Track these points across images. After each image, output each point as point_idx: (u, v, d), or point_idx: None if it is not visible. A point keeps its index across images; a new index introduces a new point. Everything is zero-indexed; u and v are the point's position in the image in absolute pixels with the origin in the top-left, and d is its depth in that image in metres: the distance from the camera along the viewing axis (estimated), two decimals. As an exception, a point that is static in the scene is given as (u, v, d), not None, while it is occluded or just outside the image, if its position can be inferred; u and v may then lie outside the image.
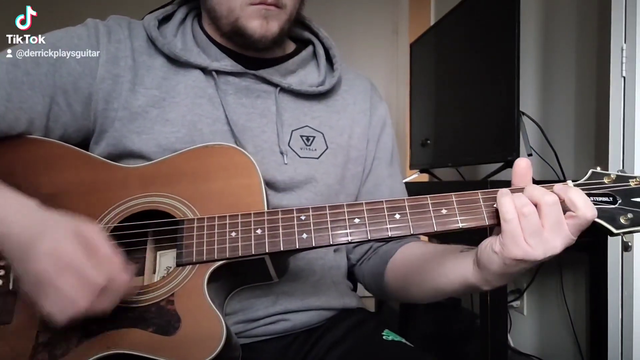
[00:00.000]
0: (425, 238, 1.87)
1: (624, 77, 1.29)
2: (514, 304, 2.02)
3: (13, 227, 0.63)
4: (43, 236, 0.62)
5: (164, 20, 0.87)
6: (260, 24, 0.80)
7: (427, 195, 0.70)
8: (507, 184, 1.68)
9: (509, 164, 1.59)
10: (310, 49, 0.93)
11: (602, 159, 1.55)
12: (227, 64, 0.84)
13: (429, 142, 2.17)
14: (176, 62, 0.83)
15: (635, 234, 0.68)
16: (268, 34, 0.81)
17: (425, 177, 2.47)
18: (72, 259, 0.60)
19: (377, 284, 0.93)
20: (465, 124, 1.88)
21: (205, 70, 0.84)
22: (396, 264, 0.90)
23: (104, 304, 0.62)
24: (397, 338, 0.85)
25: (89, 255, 0.61)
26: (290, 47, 0.93)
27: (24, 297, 0.64)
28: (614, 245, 1.35)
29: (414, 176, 2.36)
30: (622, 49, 1.29)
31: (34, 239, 0.61)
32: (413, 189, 2.08)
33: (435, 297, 0.83)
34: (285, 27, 0.84)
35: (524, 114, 1.62)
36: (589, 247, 1.54)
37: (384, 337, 0.85)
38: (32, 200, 0.67)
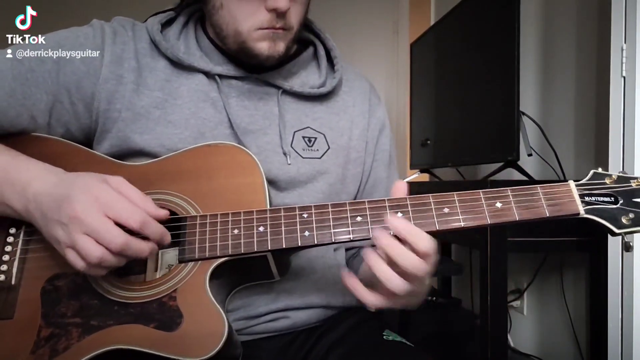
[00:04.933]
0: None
1: (624, 77, 1.30)
2: (514, 304, 2.02)
3: (41, 187, 0.68)
4: (75, 184, 0.66)
5: (167, 23, 0.88)
6: (268, 45, 0.80)
7: (429, 194, 0.70)
8: (507, 183, 1.67)
9: (509, 164, 1.60)
10: (310, 49, 0.93)
11: (602, 158, 1.56)
12: (229, 68, 0.85)
13: (429, 142, 2.17)
14: (179, 65, 0.84)
15: (635, 234, 0.69)
16: (275, 55, 0.81)
17: (425, 177, 2.47)
18: (108, 199, 0.65)
19: None
20: (465, 124, 1.88)
21: (208, 74, 0.84)
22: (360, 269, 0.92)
23: (141, 245, 0.65)
24: (398, 338, 0.85)
25: (123, 197, 0.66)
26: (292, 48, 0.93)
27: (57, 248, 0.67)
28: (614, 245, 1.35)
29: (414, 176, 2.37)
30: (622, 49, 1.30)
31: (67, 189, 0.66)
32: (413, 189, 2.09)
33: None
34: (290, 45, 0.84)
35: (524, 114, 1.62)
36: (589, 247, 1.54)
37: (384, 337, 0.85)
38: (56, 167, 0.72)
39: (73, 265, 0.65)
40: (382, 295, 0.68)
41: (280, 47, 0.81)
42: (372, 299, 0.68)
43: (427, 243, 0.65)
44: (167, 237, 0.68)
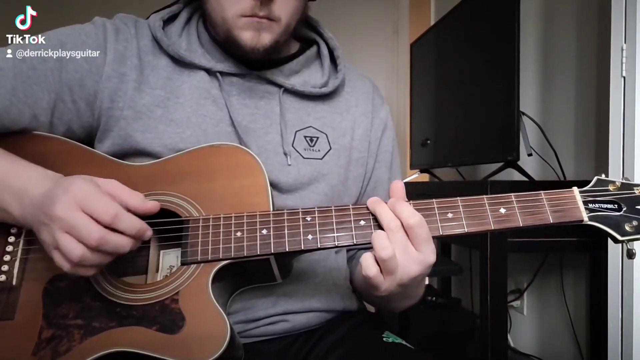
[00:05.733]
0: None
1: (624, 77, 1.30)
2: (514, 304, 2.03)
3: (37, 190, 0.67)
4: (59, 186, 0.65)
5: (169, 20, 0.87)
6: (252, 35, 0.78)
7: (433, 199, 0.70)
8: (507, 184, 1.67)
9: (509, 164, 1.60)
10: (314, 48, 0.93)
11: (602, 158, 1.56)
12: (231, 65, 0.85)
13: (429, 142, 2.17)
14: (181, 62, 0.83)
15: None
16: (259, 46, 0.79)
17: (425, 177, 2.47)
18: (85, 194, 0.63)
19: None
20: (465, 124, 1.88)
21: (209, 72, 0.84)
22: (356, 270, 0.94)
23: (119, 240, 0.64)
24: (398, 340, 0.85)
25: (101, 192, 0.64)
26: (295, 46, 0.93)
27: (48, 253, 0.66)
28: (614, 245, 1.34)
29: (414, 176, 2.37)
30: (622, 49, 1.30)
31: (54, 189, 0.65)
32: (413, 189, 2.09)
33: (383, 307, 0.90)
34: (280, 38, 0.82)
35: (524, 114, 1.62)
36: (590, 247, 1.54)
37: (384, 338, 0.84)
38: (56, 173, 0.71)
39: (60, 267, 0.64)
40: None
41: (265, 39, 0.79)
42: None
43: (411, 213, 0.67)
44: (147, 233, 0.67)
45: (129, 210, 0.66)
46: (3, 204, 0.70)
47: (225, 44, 0.83)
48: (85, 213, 0.62)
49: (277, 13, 0.79)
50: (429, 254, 0.68)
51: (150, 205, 0.68)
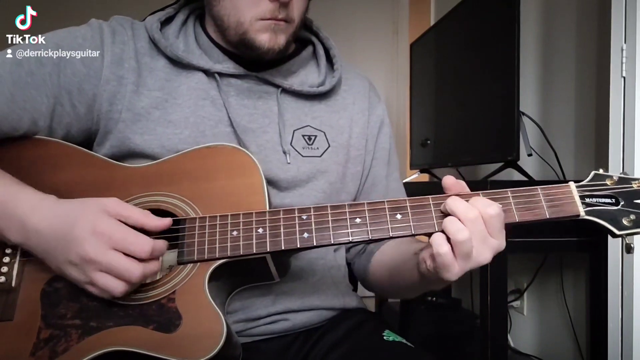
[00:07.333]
0: (426, 238, 1.86)
1: (624, 77, 1.30)
2: (514, 304, 2.02)
3: (40, 222, 0.67)
4: (77, 221, 0.66)
5: (166, 21, 0.88)
6: (269, 37, 0.80)
7: (429, 196, 0.70)
8: (507, 184, 1.67)
9: (509, 164, 1.59)
10: (310, 48, 0.93)
11: (602, 159, 1.56)
12: (229, 66, 0.85)
13: (429, 142, 2.17)
14: (178, 63, 0.84)
15: (636, 236, 0.68)
16: (275, 47, 0.81)
17: (425, 177, 2.47)
18: (114, 233, 0.66)
19: (365, 282, 0.97)
20: (465, 124, 1.88)
21: (207, 72, 0.84)
22: (377, 261, 0.93)
23: (153, 268, 0.68)
24: (398, 338, 0.85)
25: (125, 227, 0.67)
26: (291, 47, 0.93)
27: (73, 282, 0.68)
28: (614, 245, 1.35)
29: (414, 176, 2.36)
30: (622, 49, 1.29)
31: (70, 226, 0.66)
32: (413, 189, 2.08)
33: (410, 295, 0.90)
34: (291, 38, 0.84)
35: (524, 114, 1.62)
36: (590, 247, 1.54)
37: (384, 337, 0.85)
38: (49, 195, 0.71)
39: (101, 296, 0.67)
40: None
41: (281, 40, 0.81)
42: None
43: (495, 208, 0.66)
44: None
45: (144, 229, 0.69)
46: None
47: (238, 46, 0.83)
48: (118, 250, 0.65)
49: (293, 15, 0.81)
50: (503, 241, 0.67)
51: (166, 222, 0.70)
